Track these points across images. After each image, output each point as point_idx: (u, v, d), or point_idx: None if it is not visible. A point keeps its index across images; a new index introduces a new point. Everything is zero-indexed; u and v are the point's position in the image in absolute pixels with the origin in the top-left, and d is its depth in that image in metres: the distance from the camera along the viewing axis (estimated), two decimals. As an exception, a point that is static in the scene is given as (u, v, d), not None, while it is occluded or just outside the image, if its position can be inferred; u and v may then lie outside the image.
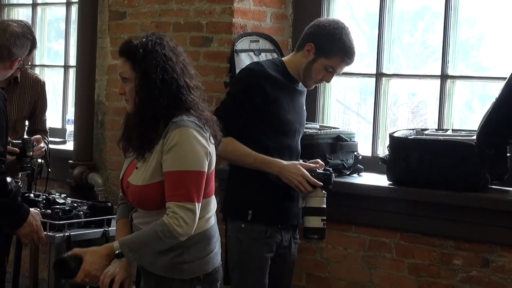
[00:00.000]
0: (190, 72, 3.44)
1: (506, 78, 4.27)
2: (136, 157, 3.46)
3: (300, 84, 4.16)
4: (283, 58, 4.23)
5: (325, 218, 3.96)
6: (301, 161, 4.08)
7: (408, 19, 5.24)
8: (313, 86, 4.25)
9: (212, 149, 3.42)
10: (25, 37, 4.13)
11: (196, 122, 3.35)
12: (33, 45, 4.25)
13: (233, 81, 4.19)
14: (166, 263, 3.42)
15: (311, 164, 4.01)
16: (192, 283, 3.46)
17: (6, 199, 3.78)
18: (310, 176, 3.93)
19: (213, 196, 3.57)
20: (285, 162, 3.99)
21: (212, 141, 3.42)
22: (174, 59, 3.38)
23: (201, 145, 3.34)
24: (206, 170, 3.38)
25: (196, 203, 3.33)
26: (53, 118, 6.28)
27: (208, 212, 3.52)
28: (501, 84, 4.33)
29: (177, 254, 3.41)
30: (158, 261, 3.43)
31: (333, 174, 4.03)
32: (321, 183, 3.93)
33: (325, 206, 3.96)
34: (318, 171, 3.98)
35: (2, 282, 4.98)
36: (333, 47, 4.02)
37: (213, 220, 3.56)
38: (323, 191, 3.96)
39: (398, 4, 5.06)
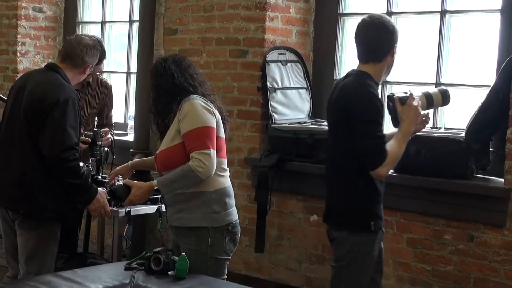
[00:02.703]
0: (193, 76, 3.64)
1: (488, 86, 4.20)
2: (160, 136, 3.72)
3: None
4: (366, 71, 3.51)
5: None
6: None
7: (407, 38, 5.07)
8: None
9: (218, 115, 3.59)
10: (95, 48, 4.05)
11: (202, 98, 3.58)
12: (102, 55, 4.20)
13: (363, 108, 3.39)
14: (200, 215, 3.53)
15: None
16: (223, 231, 3.56)
17: (79, 181, 3.76)
18: None
19: (226, 160, 3.67)
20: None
21: (216, 111, 3.59)
22: (178, 71, 3.63)
23: (206, 109, 3.52)
24: (215, 126, 3.52)
25: (211, 149, 3.46)
26: (117, 115, 6.18)
27: (225, 171, 3.63)
28: (482, 91, 4.26)
29: (207, 205, 3.53)
30: (193, 215, 3.54)
31: None
32: None
33: None
34: None
35: (75, 246, 5.00)
36: (396, 34, 3.56)
37: (229, 181, 3.66)
38: None
39: (399, 26, 4.86)
